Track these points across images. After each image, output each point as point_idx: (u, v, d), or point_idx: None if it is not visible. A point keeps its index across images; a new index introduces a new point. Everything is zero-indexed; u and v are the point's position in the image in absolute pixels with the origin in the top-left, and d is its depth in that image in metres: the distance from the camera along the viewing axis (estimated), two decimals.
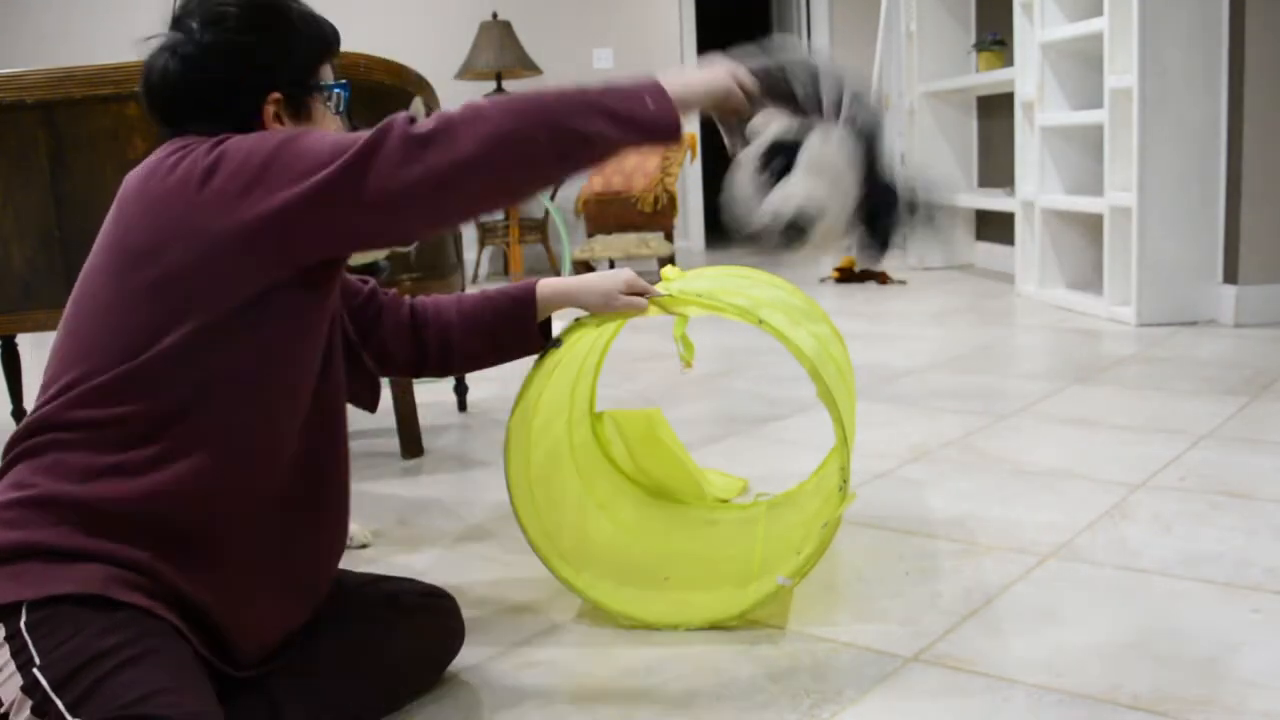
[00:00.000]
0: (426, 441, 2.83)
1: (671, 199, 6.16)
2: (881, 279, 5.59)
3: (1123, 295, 4.10)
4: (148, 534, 1.18)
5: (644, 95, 1.27)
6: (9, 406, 3.24)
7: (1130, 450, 2.43)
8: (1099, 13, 4.22)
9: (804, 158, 1.33)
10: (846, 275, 5.68)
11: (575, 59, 7.32)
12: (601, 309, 1.60)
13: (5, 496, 1.18)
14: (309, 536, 1.35)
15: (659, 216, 6.16)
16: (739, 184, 1.38)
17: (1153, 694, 1.37)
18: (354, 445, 2.86)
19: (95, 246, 1.28)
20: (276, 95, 1.33)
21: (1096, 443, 2.51)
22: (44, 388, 1.24)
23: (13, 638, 1.10)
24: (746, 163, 1.36)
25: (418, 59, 3.13)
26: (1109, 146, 4.10)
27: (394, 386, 2.68)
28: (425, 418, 3.06)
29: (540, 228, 6.70)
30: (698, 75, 1.34)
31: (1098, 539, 1.92)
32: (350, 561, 1.54)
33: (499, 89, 6.72)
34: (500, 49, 6.60)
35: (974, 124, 6.15)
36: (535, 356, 1.64)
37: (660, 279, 1.75)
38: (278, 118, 1.33)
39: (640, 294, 1.61)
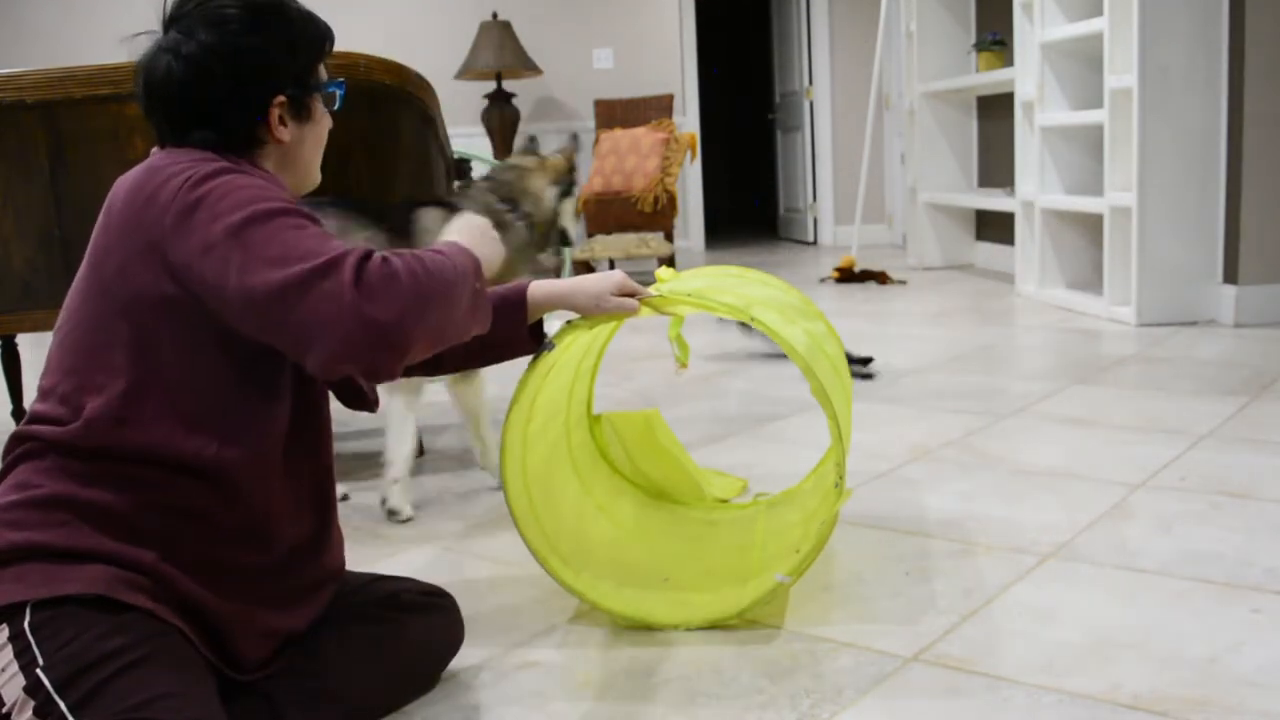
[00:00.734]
0: (426, 441, 2.83)
1: (671, 199, 6.16)
2: (881, 279, 5.59)
3: (1123, 295, 4.10)
4: (151, 537, 1.18)
5: (472, 265, 1.34)
6: (9, 406, 3.23)
7: (1130, 450, 2.43)
8: (1099, 13, 4.23)
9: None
10: (846, 275, 5.68)
11: (575, 59, 7.32)
12: (592, 310, 1.60)
13: (8, 498, 1.18)
14: (318, 540, 1.35)
15: (659, 216, 6.16)
16: None
17: (1153, 694, 1.37)
18: (354, 445, 2.86)
19: (88, 251, 1.28)
20: (281, 98, 1.32)
21: (1096, 443, 2.51)
22: (42, 391, 1.24)
23: (16, 638, 1.10)
24: None
25: (418, 59, 3.13)
26: (1109, 146, 4.10)
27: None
28: (425, 418, 3.06)
29: None
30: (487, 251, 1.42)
31: (1098, 539, 1.91)
32: (350, 560, 1.54)
33: (499, 89, 6.73)
34: (500, 49, 6.60)
35: (974, 124, 6.15)
36: (529, 358, 1.63)
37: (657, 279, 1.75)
38: (282, 121, 1.32)
39: (631, 295, 1.61)
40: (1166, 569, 1.77)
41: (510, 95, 6.83)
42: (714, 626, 1.63)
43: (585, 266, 6.12)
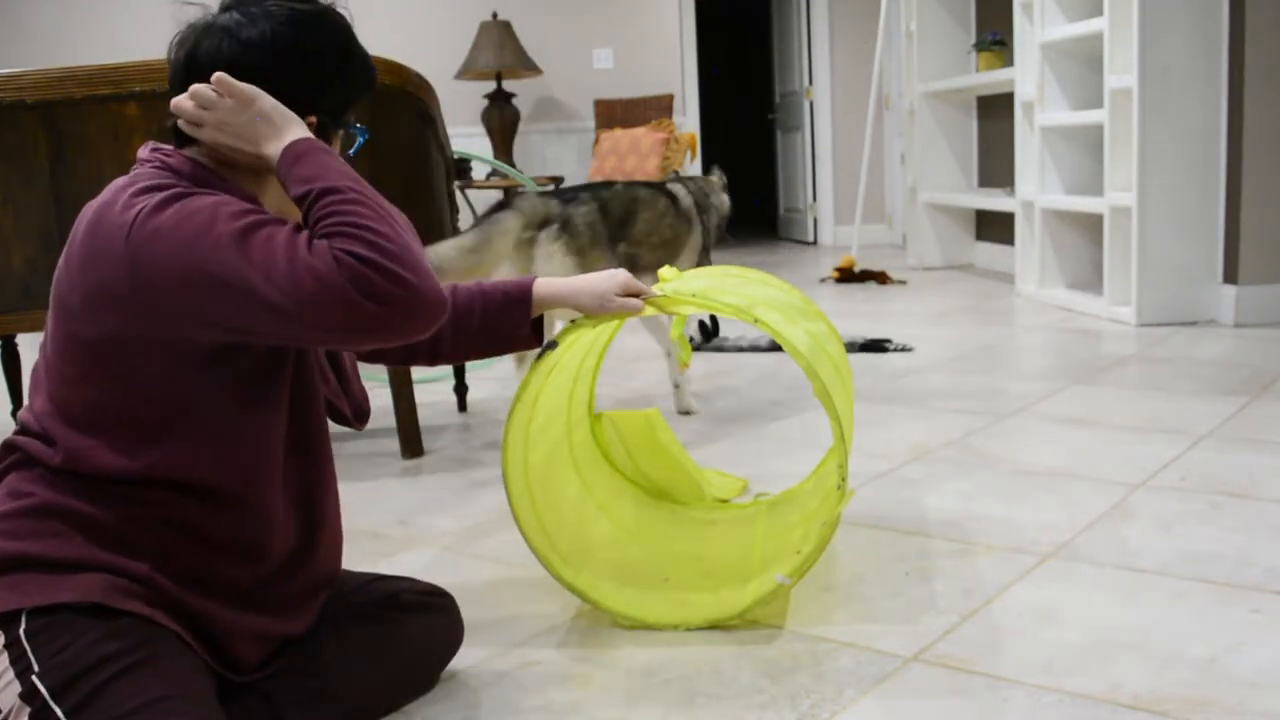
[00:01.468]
0: (426, 441, 2.83)
1: None
2: (881, 279, 5.59)
3: (1123, 295, 4.10)
4: (143, 548, 1.18)
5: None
6: (9, 406, 3.23)
7: (1130, 450, 2.43)
8: (1099, 13, 4.23)
9: None
10: (846, 275, 5.68)
11: (575, 59, 7.32)
12: (596, 311, 1.60)
13: (3, 507, 1.18)
14: (305, 551, 1.35)
15: None
16: None
17: (1153, 694, 1.37)
18: (354, 445, 2.86)
19: (54, 279, 1.24)
20: (313, 119, 1.29)
21: (1096, 443, 2.51)
22: (29, 405, 1.24)
23: (12, 645, 1.10)
24: None
25: (418, 59, 3.13)
26: (1109, 146, 4.10)
27: (394, 386, 2.68)
28: (425, 418, 3.06)
29: None
30: None
31: (1098, 539, 1.91)
32: (350, 560, 1.54)
33: (499, 89, 6.73)
34: (500, 49, 6.60)
35: (974, 124, 6.15)
36: (532, 357, 1.63)
37: (657, 279, 1.75)
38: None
39: (635, 295, 1.61)
40: (1166, 569, 1.77)
41: (510, 95, 6.83)
42: (714, 627, 1.63)
43: None
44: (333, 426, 1.48)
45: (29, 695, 1.07)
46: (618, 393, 3.31)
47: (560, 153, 7.36)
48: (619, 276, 1.61)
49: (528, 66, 6.69)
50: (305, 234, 1.16)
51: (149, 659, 1.12)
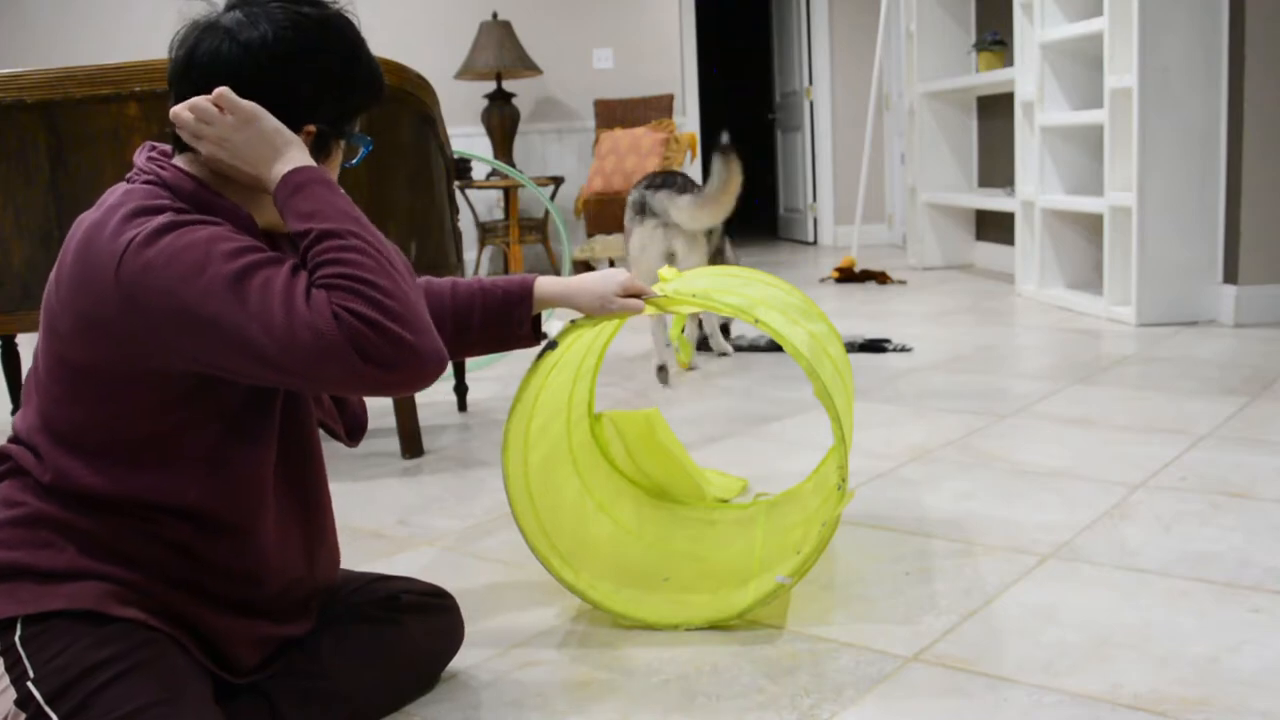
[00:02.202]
0: (426, 441, 2.83)
1: None
2: (881, 279, 5.59)
3: (1123, 295, 4.10)
4: (136, 560, 1.18)
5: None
6: (9, 406, 3.23)
7: (1130, 450, 2.43)
8: (1099, 13, 4.22)
9: None
10: (846, 275, 5.68)
11: (575, 59, 7.32)
12: (597, 311, 1.60)
13: None
14: (299, 558, 1.35)
15: None
16: None
17: (1152, 694, 1.37)
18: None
19: (44, 296, 1.22)
20: (311, 128, 1.26)
21: (1096, 443, 2.51)
22: (22, 415, 1.23)
23: (7, 651, 1.10)
24: None
25: (418, 59, 3.13)
26: (1109, 146, 4.10)
27: None
28: (425, 418, 3.06)
29: (540, 227, 6.70)
30: None
31: (1098, 539, 1.91)
32: (350, 559, 1.54)
33: (499, 89, 6.73)
34: (500, 49, 6.59)
35: (974, 124, 6.15)
36: (527, 359, 1.63)
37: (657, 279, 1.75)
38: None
39: (636, 295, 1.61)
40: (1166, 569, 1.77)
41: (510, 95, 6.83)
42: (714, 627, 1.63)
43: (585, 266, 6.12)
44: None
45: (24, 701, 1.07)
46: (618, 392, 3.31)
47: (560, 153, 7.36)
48: (619, 276, 1.61)
49: (528, 66, 6.69)
50: (303, 279, 1.13)
51: (144, 663, 1.12)
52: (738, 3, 10.20)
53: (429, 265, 2.60)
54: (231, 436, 1.23)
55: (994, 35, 5.52)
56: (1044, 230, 4.69)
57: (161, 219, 1.14)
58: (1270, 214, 3.80)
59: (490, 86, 6.89)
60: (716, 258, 3.69)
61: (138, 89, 2.39)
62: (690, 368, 3.59)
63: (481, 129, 6.90)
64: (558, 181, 6.64)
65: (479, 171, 6.90)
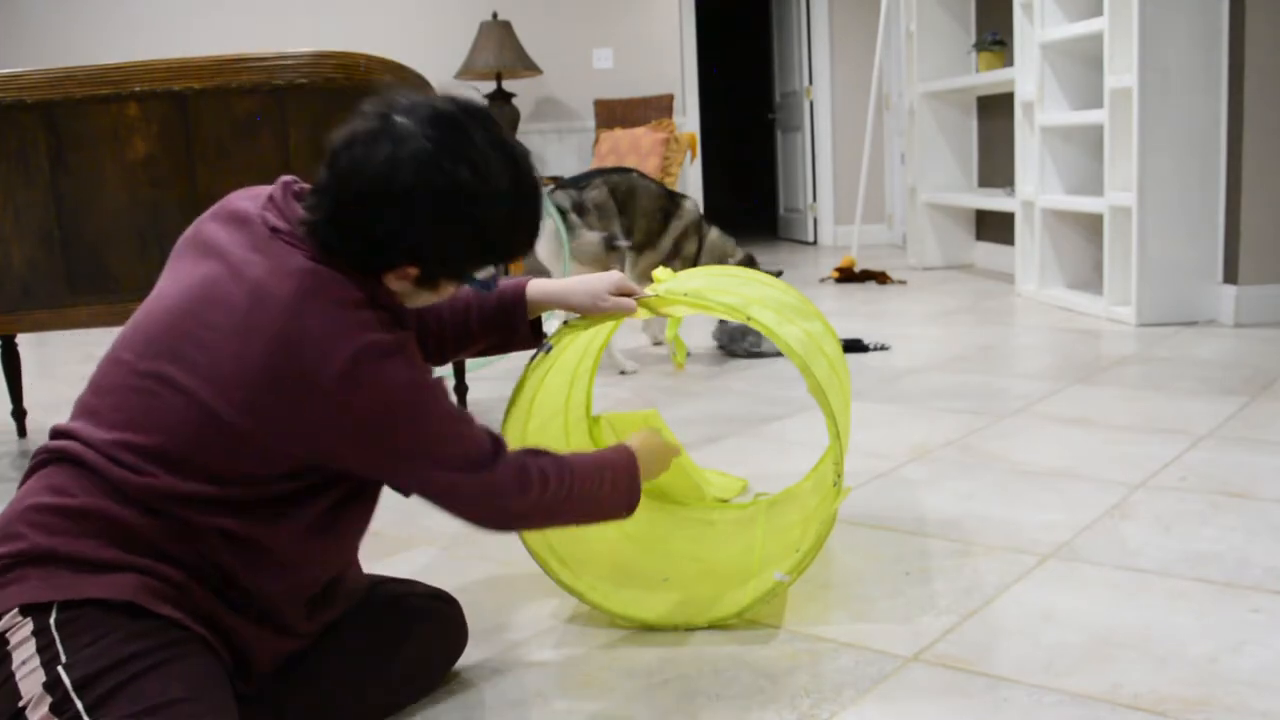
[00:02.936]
0: None
1: None
2: (881, 279, 5.59)
3: (1123, 295, 4.10)
4: (178, 560, 1.18)
5: (633, 480, 1.51)
6: (9, 406, 3.23)
7: (1130, 450, 2.43)
8: (1099, 13, 4.22)
9: None
10: (846, 275, 5.68)
11: (575, 59, 7.32)
12: (590, 310, 1.60)
13: (41, 499, 1.18)
14: (331, 590, 1.37)
15: None
16: None
17: (1153, 694, 1.37)
18: None
19: (175, 300, 1.23)
20: (414, 270, 1.26)
21: (1096, 443, 2.51)
22: (95, 416, 1.23)
23: (40, 633, 1.10)
24: None
25: (418, 59, 3.13)
26: (1109, 146, 4.10)
27: None
28: None
29: None
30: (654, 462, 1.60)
31: (1098, 539, 1.91)
32: None
33: (499, 89, 6.73)
34: (500, 49, 6.59)
35: (974, 124, 6.15)
36: (527, 359, 1.64)
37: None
38: (404, 276, 1.27)
39: (629, 294, 1.61)
40: (1166, 569, 1.77)
41: (510, 95, 6.83)
42: (714, 626, 1.63)
43: None
44: None
45: (52, 685, 1.08)
46: (616, 393, 3.31)
47: (560, 153, 7.36)
48: (612, 276, 1.62)
49: (528, 66, 6.69)
50: (520, 465, 1.32)
51: (174, 659, 1.12)
52: (738, 3, 10.20)
53: None
54: (342, 505, 1.29)
55: (994, 35, 5.52)
56: (1044, 230, 4.69)
57: (379, 339, 1.19)
58: (1270, 214, 3.80)
59: (490, 86, 6.89)
60: (700, 255, 3.77)
61: (138, 89, 2.39)
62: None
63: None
64: (558, 181, 6.64)
65: None
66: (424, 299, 1.33)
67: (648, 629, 1.64)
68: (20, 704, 1.08)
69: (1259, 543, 1.86)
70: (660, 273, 1.76)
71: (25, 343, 3.32)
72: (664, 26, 7.40)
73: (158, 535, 1.17)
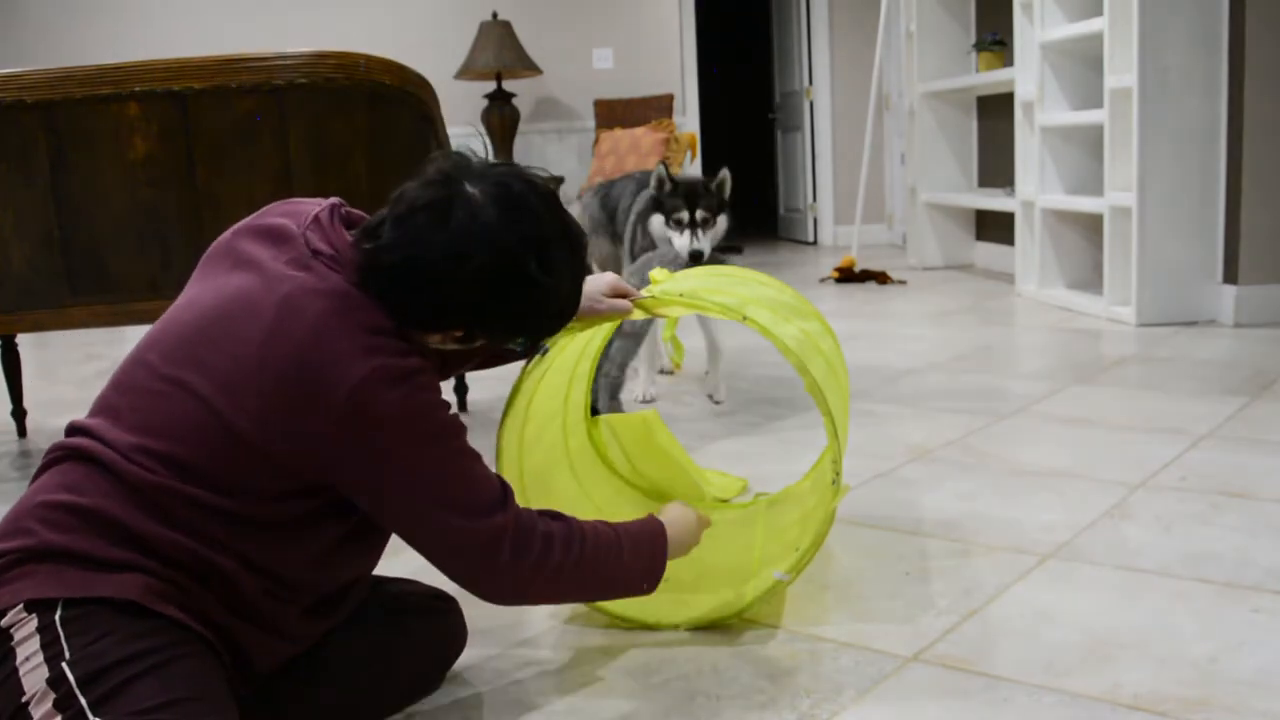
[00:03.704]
0: None
1: None
2: (881, 279, 5.59)
3: (1123, 295, 4.10)
4: (184, 565, 1.18)
5: (655, 556, 1.48)
6: (9, 406, 3.23)
7: (1130, 450, 2.43)
8: (1099, 13, 4.22)
9: None
10: (846, 275, 5.68)
11: (575, 59, 7.32)
12: (585, 312, 1.60)
13: (53, 495, 1.18)
14: (337, 601, 1.37)
15: None
16: None
17: (1153, 694, 1.37)
18: None
19: (205, 308, 1.24)
20: (459, 333, 1.28)
21: (1096, 443, 2.51)
22: (118, 405, 1.23)
23: (45, 629, 1.10)
24: None
25: (418, 59, 3.13)
26: (1109, 146, 4.10)
27: None
28: None
29: None
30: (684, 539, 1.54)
31: (1098, 539, 1.91)
32: None
33: (499, 89, 6.73)
34: (500, 49, 6.59)
35: (974, 124, 6.15)
36: (523, 363, 1.63)
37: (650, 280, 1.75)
38: (439, 337, 1.29)
39: (624, 296, 1.61)
40: (1166, 569, 1.77)
41: (510, 95, 6.83)
42: (714, 626, 1.63)
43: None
44: None
45: (56, 681, 1.08)
46: None
47: (560, 153, 7.36)
48: (607, 278, 1.62)
49: (528, 66, 6.69)
50: (525, 523, 1.30)
51: (177, 659, 1.13)
52: (738, 3, 10.20)
53: None
54: (352, 539, 1.31)
55: (994, 35, 5.52)
56: (1044, 230, 4.69)
57: (396, 364, 1.20)
58: (1270, 214, 3.80)
59: (490, 86, 6.89)
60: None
61: (138, 89, 2.39)
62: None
63: (481, 129, 6.90)
64: (558, 181, 6.64)
65: None
66: (452, 346, 1.34)
67: (647, 629, 1.64)
68: (23, 699, 1.08)
69: (1259, 543, 1.86)
70: (657, 273, 1.76)
71: (25, 343, 3.32)
72: (664, 26, 7.40)
73: (166, 538, 1.17)
